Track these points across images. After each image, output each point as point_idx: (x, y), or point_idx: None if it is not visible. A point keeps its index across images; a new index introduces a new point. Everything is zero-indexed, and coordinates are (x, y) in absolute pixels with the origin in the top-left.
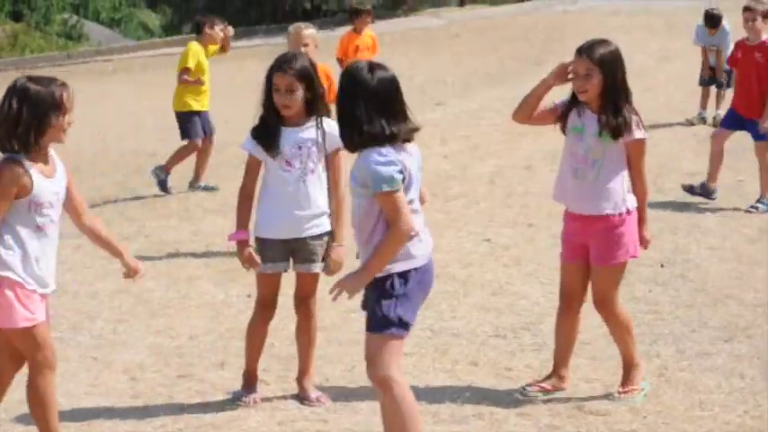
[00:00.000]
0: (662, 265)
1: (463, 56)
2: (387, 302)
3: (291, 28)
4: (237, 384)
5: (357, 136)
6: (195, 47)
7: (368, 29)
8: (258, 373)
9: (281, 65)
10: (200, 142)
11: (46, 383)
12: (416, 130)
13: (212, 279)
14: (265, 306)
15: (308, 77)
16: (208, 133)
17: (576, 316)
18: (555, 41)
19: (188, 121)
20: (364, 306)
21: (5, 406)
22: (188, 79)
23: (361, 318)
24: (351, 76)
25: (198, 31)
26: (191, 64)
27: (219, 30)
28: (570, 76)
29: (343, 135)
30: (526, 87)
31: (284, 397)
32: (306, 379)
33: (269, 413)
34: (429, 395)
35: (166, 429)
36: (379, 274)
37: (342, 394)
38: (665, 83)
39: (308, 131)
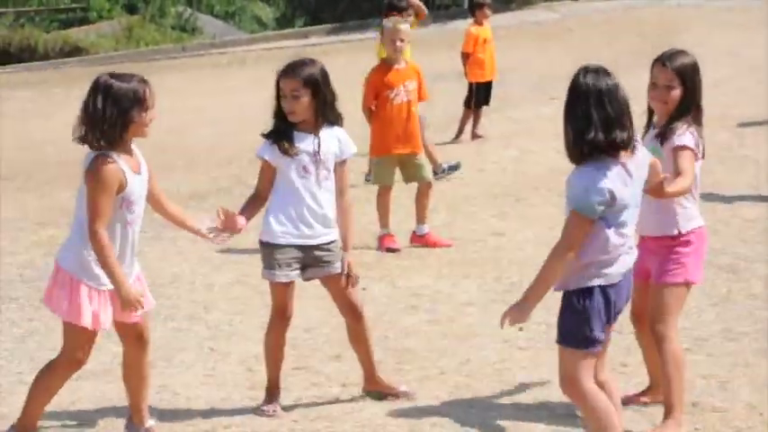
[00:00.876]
0: None
1: (577, 50)
2: (564, 316)
3: (388, 23)
4: (353, 376)
5: (578, 143)
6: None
7: (486, 21)
8: (281, 383)
9: (287, 69)
10: None
11: (58, 377)
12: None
13: None
14: (281, 315)
15: (314, 83)
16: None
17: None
18: (669, 36)
19: None
20: None
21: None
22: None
23: (475, 311)
24: (574, 82)
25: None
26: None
27: (407, 16)
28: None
29: (566, 142)
30: (641, 82)
31: None
32: (377, 378)
33: (384, 405)
34: (544, 390)
35: (281, 420)
36: (560, 290)
37: (457, 387)
38: None
39: (320, 139)
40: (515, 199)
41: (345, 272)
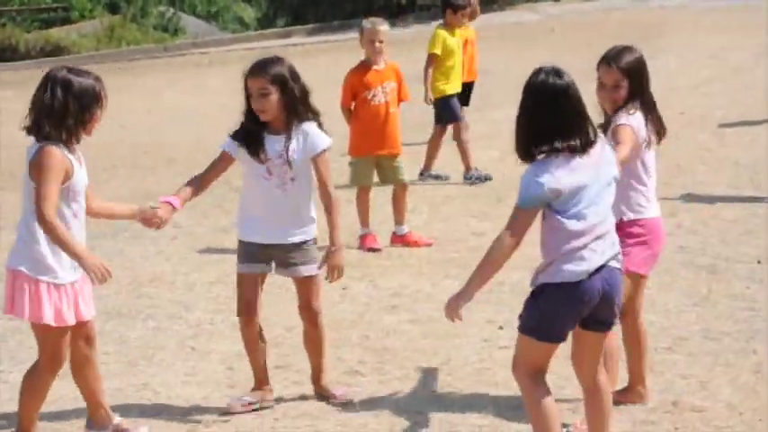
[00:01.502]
0: (758, 262)
1: (558, 51)
2: (525, 305)
3: (367, 23)
4: (333, 375)
5: (526, 147)
6: (442, 32)
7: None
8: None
9: (253, 68)
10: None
11: (42, 381)
12: (591, 142)
13: None
14: (248, 309)
15: (282, 81)
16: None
17: (631, 326)
18: (651, 38)
19: (443, 107)
20: None
21: (107, 393)
22: (429, 72)
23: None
24: (527, 84)
25: (443, 14)
26: (437, 50)
27: (462, 15)
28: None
29: (516, 143)
30: None
31: (381, 389)
32: (322, 380)
33: (366, 406)
34: None
35: (263, 419)
36: (531, 286)
37: (438, 387)
38: (765, 79)
39: (290, 140)
40: (496, 199)
41: (326, 266)
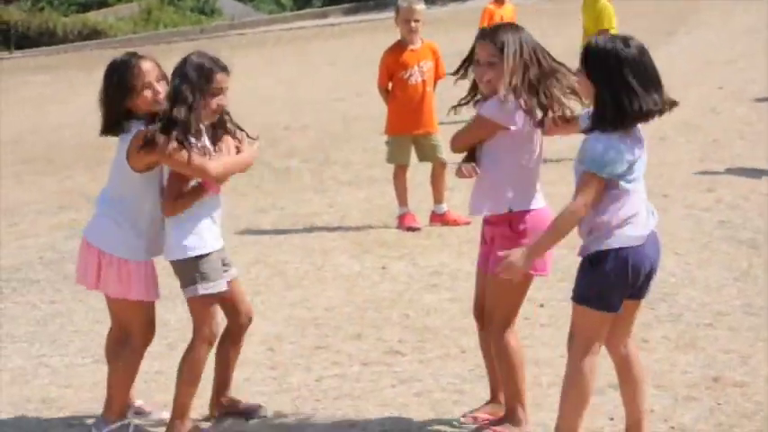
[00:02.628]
0: None
1: None
2: (580, 276)
3: (402, 3)
4: (374, 355)
5: (620, 111)
6: (609, 5)
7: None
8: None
9: (224, 65)
10: None
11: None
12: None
13: (347, 251)
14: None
15: (172, 76)
16: None
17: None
18: (687, 14)
19: None
20: None
21: (147, 377)
22: None
23: None
24: (612, 51)
25: None
26: (613, 25)
27: None
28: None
29: (601, 109)
30: (658, 59)
31: (420, 368)
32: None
33: (407, 385)
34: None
35: (304, 401)
36: (581, 255)
37: (478, 365)
38: None
39: None
40: None
41: None
